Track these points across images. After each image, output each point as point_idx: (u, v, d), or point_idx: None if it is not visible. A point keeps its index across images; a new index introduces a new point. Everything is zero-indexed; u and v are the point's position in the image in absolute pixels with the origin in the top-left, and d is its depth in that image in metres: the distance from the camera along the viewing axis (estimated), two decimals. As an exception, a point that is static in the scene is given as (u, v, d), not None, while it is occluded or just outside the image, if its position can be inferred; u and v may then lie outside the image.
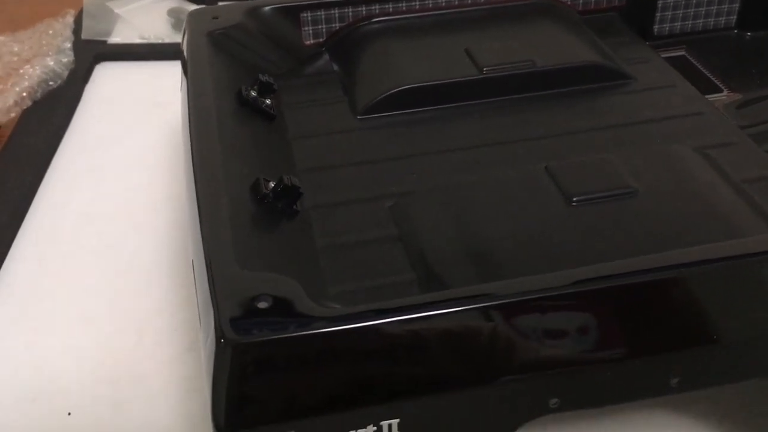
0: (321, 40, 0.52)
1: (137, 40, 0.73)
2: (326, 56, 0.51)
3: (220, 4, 0.74)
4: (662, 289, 0.32)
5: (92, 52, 0.71)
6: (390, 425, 0.30)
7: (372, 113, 0.46)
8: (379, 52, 0.50)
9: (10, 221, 0.54)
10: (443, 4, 0.53)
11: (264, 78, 0.44)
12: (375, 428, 0.30)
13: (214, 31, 0.48)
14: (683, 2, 0.54)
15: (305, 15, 0.51)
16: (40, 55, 0.70)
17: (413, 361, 0.30)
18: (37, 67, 0.67)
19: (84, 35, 0.73)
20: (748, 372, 0.33)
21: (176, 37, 0.73)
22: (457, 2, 0.53)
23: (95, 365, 0.44)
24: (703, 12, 0.55)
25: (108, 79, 0.69)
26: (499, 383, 0.31)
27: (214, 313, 0.30)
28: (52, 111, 0.64)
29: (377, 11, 0.52)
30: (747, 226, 0.36)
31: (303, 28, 0.51)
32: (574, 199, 0.38)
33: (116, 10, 0.76)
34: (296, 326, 0.29)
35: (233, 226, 0.34)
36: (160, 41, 0.73)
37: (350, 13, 0.52)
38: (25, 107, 0.64)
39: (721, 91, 0.50)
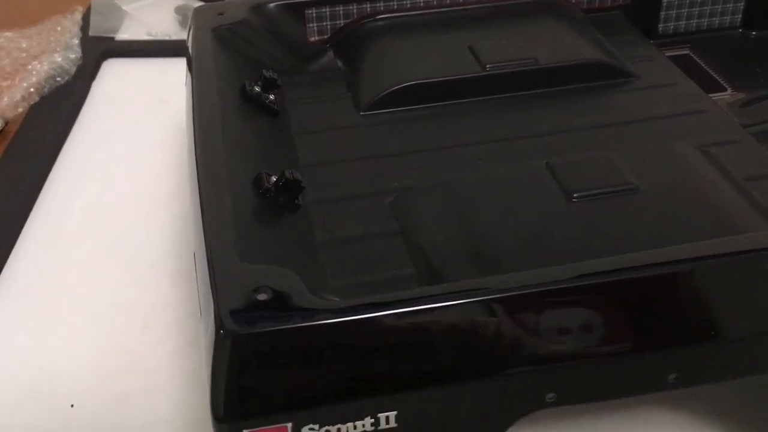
0: (325, 36, 0.52)
1: (144, 37, 0.74)
2: (330, 53, 0.52)
3: (226, 0, 0.74)
4: (660, 285, 0.32)
5: (100, 49, 0.71)
6: (387, 417, 0.31)
7: (375, 109, 0.46)
8: (382, 48, 0.50)
9: (17, 215, 0.54)
10: (447, 1, 0.53)
11: (268, 74, 0.44)
12: (372, 420, 0.31)
13: (218, 27, 0.48)
14: (688, 1, 0.54)
15: (310, 12, 0.51)
16: (48, 51, 0.70)
17: (410, 354, 0.30)
18: (45, 63, 0.67)
19: (92, 32, 0.73)
20: (746, 369, 0.34)
21: (183, 35, 0.72)
22: (461, 0, 0.53)
23: (99, 358, 0.45)
24: (708, 11, 0.55)
25: (115, 76, 0.70)
26: (496, 377, 0.31)
27: (214, 304, 0.30)
28: (59, 107, 0.64)
29: (382, 8, 0.52)
30: (747, 224, 0.36)
31: (308, 25, 0.52)
32: (575, 195, 0.38)
33: (124, 7, 0.77)
34: (295, 318, 0.29)
35: (235, 220, 0.34)
36: (167, 38, 0.73)
37: (355, 10, 0.52)
38: (32, 102, 0.65)
39: (725, 89, 0.50)
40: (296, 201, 0.38)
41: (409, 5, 0.52)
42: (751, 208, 0.37)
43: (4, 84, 0.67)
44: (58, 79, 0.67)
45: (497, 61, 0.47)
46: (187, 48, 0.49)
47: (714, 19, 0.55)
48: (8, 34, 0.74)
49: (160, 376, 0.44)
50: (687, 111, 0.46)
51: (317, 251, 0.36)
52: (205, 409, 0.30)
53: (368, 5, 0.52)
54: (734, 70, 0.51)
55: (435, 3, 0.53)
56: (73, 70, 0.68)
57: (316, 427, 0.30)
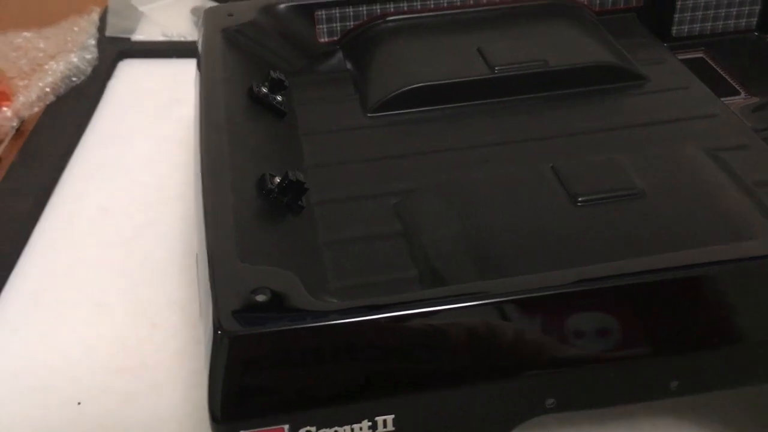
0: (335, 38, 0.52)
1: (160, 38, 0.74)
2: (340, 54, 0.52)
3: (242, 1, 0.75)
4: (663, 291, 0.31)
5: (116, 49, 0.72)
6: (385, 421, 0.30)
7: (382, 111, 0.46)
8: (392, 50, 0.50)
9: (30, 213, 0.55)
10: (458, 3, 0.53)
11: (275, 75, 0.45)
12: (370, 423, 0.30)
13: (228, 28, 0.49)
14: (702, 4, 0.53)
15: (320, 13, 0.51)
16: (64, 52, 0.71)
17: (408, 357, 0.30)
18: (61, 63, 0.68)
19: (108, 32, 0.74)
20: (749, 377, 0.33)
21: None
22: (472, 2, 0.53)
23: (107, 356, 0.45)
24: (723, 14, 0.54)
25: (130, 76, 0.71)
26: (496, 382, 0.31)
27: (213, 304, 0.30)
28: (75, 106, 0.65)
29: (391, 10, 0.52)
30: (755, 229, 0.36)
31: (317, 26, 0.52)
32: (579, 198, 0.37)
33: (140, 8, 0.77)
34: (292, 319, 0.29)
35: (237, 221, 0.34)
36: (182, 39, 0.74)
37: (365, 12, 0.52)
38: (48, 102, 0.65)
39: (738, 93, 0.49)
40: (300, 202, 0.38)
41: (419, 7, 0.52)
42: (760, 214, 0.37)
43: (21, 84, 0.68)
44: (74, 79, 0.68)
45: (505, 64, 0.47)
46: (197, 48, 0.50)
47: (729, 22, 0.54)
48: (26, 34, 0.75)
49: (167, 375, 0.44)
50: (697, 115, 0.45)
51: (319, 252, 0.36)
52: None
53: (378, 7, 0.52)
54: (748, 74, 0.51)
55: (445, 5, 0.53)
56: (89, 70, 0.69)
57: (313, 429, 0.30)
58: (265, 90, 0.44)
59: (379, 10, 0.52)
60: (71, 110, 0.65)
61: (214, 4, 0.77)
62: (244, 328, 0.29)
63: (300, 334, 0.29)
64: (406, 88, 0.46)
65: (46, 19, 0.76)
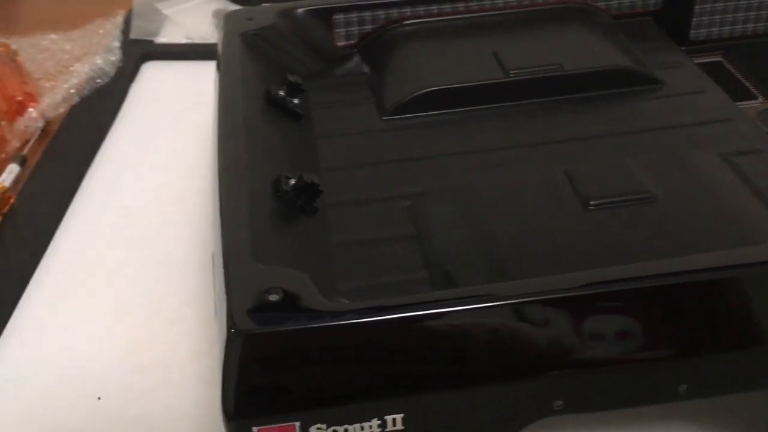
0: (353, 41, 0.53)
1: (183, 41, 0.75)
2: (357, 58, 0.52)
3: (264, 5, 0.76)
4: (673, 295, 0.32)
5: (139, 51, 0.73)
6: (394, 420, 0.31)
7: (398, 114, 0.46)
8: (408, 54, 0.50)
9: (54, 212, 0.56)
10: (475, 7, 0.53)
11: (292, 78, 0.45)
12: (380, 422, 0.31)
13: (247, 32, 0.49)
14: (721, 8, 0.53)
15: (338, 17, 0.52)
16: (90, 54, 0.72)
17: (418, 358, 0.31)
18: (86, 65, 0.69)
19: (132, 35, 0.75)
20: (759, 381, 0.33)
21: (220, 38, 0.74)
22: (488, 6, 0.53)
23: (126, 353, 0.46)
24: (742, 18, 0.54)
25: (153, 78, 0.72)
26: (504, 383, 0.31)
27: (227, 303, 0.31)
28: (99, 107, 0.66)
29: (409, 14, 0.52)
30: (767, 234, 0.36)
31: (335, 30, 0.52)
32: (591, 202, 0.38)
33: (164, 11, 0.78)
34: (303, 319, 0.30)
35: (252, 222, 0.35)
36: (204, 41, 0.75)
37: (382, 16, 0.52)
38: (73, 103, 0.67)
39: (756, 98, 0.49)
40: (314, 204, 0.38)
41: (435, 11, 0.53)
42: (772, 219, 0.37)
43: (48, 85, 0.69)
44: (98, 80, 0.69)
45: (520, 68, 0.47)
46: (216, 51, 0.50)
47: (748, 25, 0.54)
48: (53, 36, 0.76)
49: (183, 371, 0.45)
50: (713, 119, 0.45)
51: (331, 254, 0.37)
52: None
53: (395, 11, 0.52)
54: (766, 78, 0.50)
55: (462, 9, 0.53)
56: (113, 72, 0.70)
57: (324, 426, 0.31)
58: (282, 93, 0.45)
59: (396, 15, 0.52)
60: (95, 111, 0.66)
61: (236, 7, 0.78)
62: (257, 327, 0.30)
63: (311, 334, 0.30)
64: (422, 92, 0.46)
65: (73, 22, 0.77)
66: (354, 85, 0.50)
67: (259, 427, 0.30)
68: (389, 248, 0.37)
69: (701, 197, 0.38)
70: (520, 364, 0.31)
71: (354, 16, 0.52)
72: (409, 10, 0.52)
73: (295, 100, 0.45)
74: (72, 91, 0.67)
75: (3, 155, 0.62)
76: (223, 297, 0.32)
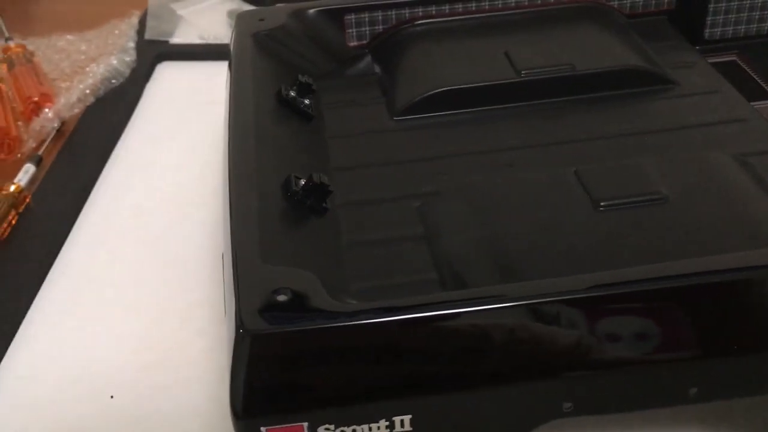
0: (364, 42, 0.53)
1: (197, 41, 0.76)
2: (368, 58, 0.52)
3: (277, 5, 0.76)
4: (684, 297, 0.31)
5: (154, 52, 0.74)
6: (402, 421, 0.31)
7: (409, 114, 0.46)
8: (419, 54, 0.50)
9: (69, 211, 0.57)
10: (486, 7, 0.53)
11: (303, 78, 0.45)
12: (387, 423, 0.31)
13: (259, 32, 0.50)
14: (735, 6, 0.53)
15: (349, 17, 0.52)
16: (105, 54, 0.73)
17: (426, 359, 0.31)
18: (102, 66, 0.70)
19: (147, 35, 0.76)
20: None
21: (234, 38, 0.75)
22: (500, 5, 0.53)
23: (139, 351, 0.46)
24: (757, 16, 0.53)
25: (168, 78, 0.72)
26: (513, 385, 0.31)
27: (236, 304, 0.31)
28: (114, 108, 0.67)
29: (420, 14, 0.52)
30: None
31: (347, 31, 0.52)
32: (601, 203, 0.37)
33: (179, 12, 0.79)
34: (312, 319, 0.30)
35: (261, 222, 0.35)
36: (218, 42, 0.75)
37: (394, 16, 0.52)
38: (88, 104, 0.67)
39: (771, 97, 0.48)
40: (324, 204, 0.38)
41: (447, 11, 0.53)
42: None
43: (63, 85, 0.70)
44: (113, 81, 0.69)
45: (532, 67, 0.47)
46: (229, 52, 0.51)
47: (763, 24, 0.54)
48: (69, 37, 0.77)
49: (196, 370, 0.45)
50: (727, 119, 0.45)
51: (341, 254, 0.37)
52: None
53: (407, 11, 0.52)
54: (782, 78, 0.50)
55: (473, 9, 0.53)
56: (128, 72, 0.71)
57: (332, 427, 0.31)
58: (293, 93, 0.45)
59: (407, 15, 0.52)
60: (111, 111, 0.66)
61: (249, 7, 0.79)
62: (265, 327, 0.30)
63: (319, 334, 0.30)
64: (433, 92, 0.46)
65: (88, 23, 0.78)
66: (365, 86, 0.50)
67: (267, 427, 0.31)
68: (399, 248, 0.37)
69: (714, 198, 0.38)
70: (530, 365, 0.31)
71: (365, 16, 0.52)
72: (420, 10, 0.52)
73: (306, 101, 0.46)
74: (87, 91, 0.67)
75: (19, 155, 0.62)
76: (232, 297, 0.32)
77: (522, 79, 0.46)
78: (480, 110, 0.46)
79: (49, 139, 0.63)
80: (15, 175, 0.59)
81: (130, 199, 0.58)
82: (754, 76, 0.51)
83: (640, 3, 0.54)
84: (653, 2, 0.54)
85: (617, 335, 0.31)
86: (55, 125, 0.65)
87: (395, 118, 0.47)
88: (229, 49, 0.51)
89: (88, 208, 0.58)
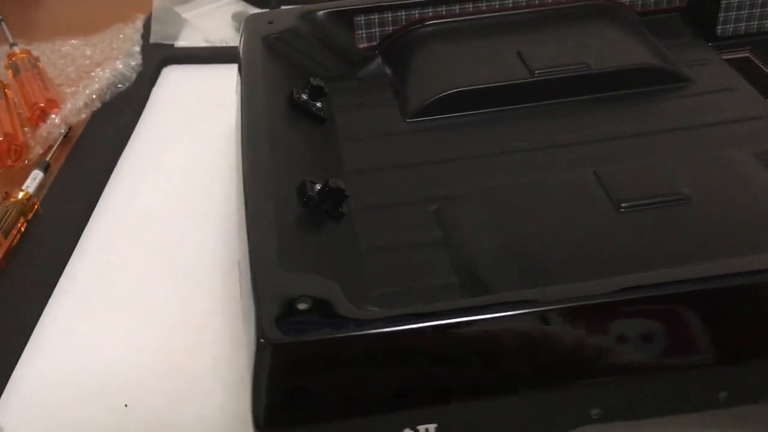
0: (374, 43, 0.52)
1: (202, 44, 0.75)
2: (379, 59, 0.52)
3: (282, 8, 0.75)
4: (711, 300, 0.31)
5: (159, 56, 0.73)
6: (427, 429, 0.31)
7: (422, 116, 0.46)
8: (431, 55, 0.50)
9: (79, 217, 0.56)
10: (497, 6, 0.52)
11: (315, 81, 0.45)
12: None
13: (268, 35, 0.49)
14: (748, 2, 0.52)
15: (359, 19, 0.52)
16: (111, 59, 0.73)
17: (451, 366, 0.30)
18: (107, 71, 0.69)
19: (152, 39, 0.75)
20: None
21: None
22: (511, 4, 0.52)
23: (153, 359, 0.46)
24: (770, 12, 0.53)
25: (174, 82, 0.72)
26: (540, 392, 0.31)
27: (255, 312, 0.31)
28: (120, 113, 0.66)
29: (430, 14, 0.52)
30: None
31: (356, 32, 0.52)
32: (623, 204, 0.37)
33: (183, 15, 0.78)
34: (334, 328, 0.30)
35: (278, 228, 0.35)
36: (224, 45, 0.75)
37: (403, 17, 0.52)
38: (94, 109, 0.67)
39: (787, 94, 0.48)
40: (340, 209, 0.38)
41: (457, 11, 0.52)
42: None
43: (69, 90, 0.70)
44: (119, 85, 0.69)
45: (546, 67, 0.46)
46: (238, 55, 0.50)
47: None
48: (74, 42, 0.76)
49: (212, 378, 0.45)
50: (744, 117, 0.44)
51: (359, 260, 0.36)
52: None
53: (417, 12, 0.52)
54: (797, 74, 0.49)
55: (484, 8, 0.52)
56: (134, 76, 0.70)
57: (356, 436, 0.30)
58: (305, 97, 0.45)
59: (417, 15, 0.52)
60: (117, 116, 0.66)
61: (254, 9, 0.78)
62: (286, 336, 0.30)
63: (342, 343, 0.30)
64: (446, 93, 0.46)
65: (92, 27, 0.78)
66: (376, 87, 0.49)
67: (290, 438, 0.30)
68: (418, 253, 0.37)
69: (736, 197, 0.37)
70: (558, 372, 0.30)
71: (375, 17, 0.52)
72: (430, 10, 0.52)
73: (318, 104, 0.45)
74: (94, 96, 0.67)
75: (26, 161, 0.62)
76: (251, 305, 0.31)
77: (536, 78, 0.46)
78: (493, 111, 0.46)
79: (56, 145, 0.63)
80: (23, 181, 0.58)
81: (139, 204, 0.58)
82: (768, 72, 0.50)
83: (652, 0, 0.54)
84: (665, 0, 0.54)
85: (646, 339, 0.31)
86: (62, 131, 0.64)
87: (408, 120, 0.46)
88: (238, 53, 0.51)
89: (98, 214, 0.57)
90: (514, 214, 0.38)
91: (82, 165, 0.61)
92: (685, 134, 0.43)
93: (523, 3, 0.52)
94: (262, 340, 0.30)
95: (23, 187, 0.57)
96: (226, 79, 0.71)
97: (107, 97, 0.68)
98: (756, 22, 0.53)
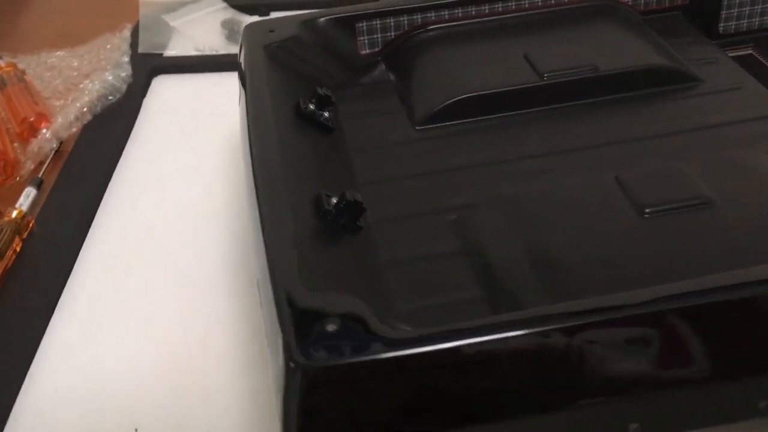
0: (377, 49, 0.51)
1: (192, 53, 0.74)
2: (382, 66, 0.51)
3: (276, 16, 0.74)
4: (750, 307, 0.30)
5: (149, 66, 0.72)
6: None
7: (431, 123, 0.45)
8: (436, 60, 0.49)
9: (76, 234, 0.55)
10: (499, 9, 0.52)
11: (322, 91, 0.44)
12: (448, 451, 0.30)
13: (270, 44, 0.48)
14: None
15: (360, 25, 0.51)
16: (99, 70, 0.71)
17: (489, 385, 0.29)
18: (96, 82, 0.68)
19: (141, 49, 0.74)
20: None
21: (231, 49, 0.73)
22: (513, 6, 0.52)
23: (161, 377, 0.45)
24: (771, 8, 0.53)
25: (165, 92, 0.70)
26: (578, 407, 0.30)
27: (283, 336, 0.30)
28: (112, 125, 0.65)
29: (433, 18, 0.51)
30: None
31: (358, 38, 0.51)
32: (647, 210, 0.36)
33: (171, 23, 0.77)
34: (368, 349, 0.29)
35: (297, 245, 0.34)
36: (214, 53, 0.74)
37: (406, 22, 0.51)
38: (85, 122, 0.65)
39: (793, 90, 0.48)
40: (357, 222, 0.37)
41: (460, 14, 0.51)
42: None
43: (58, 104, 0.68)
44: (110, 97, 0.67)
45: (555, 70, 0.46)
46: (239, 65, 0.49)
47: None
48: (60, 53, 0.75)
49: (223, 395, 0.44)
50: (757, 116, 0.44)
51: (381, 274, 0.35)
52: (267, 429, 0.29)
53: (419, 16, 0.51)
54: (802, 69, 0.49)
55: (486, 11, 0.52)
56: (124, 87, 0.69)
57: (393, 461, 0.29)
58: (312, 107, 0.44)
59: (419, 20, 0.51)
60: (109, 129, 0.65)
61: (244, 16, 0.77)
62: (317, 360, 0.29)
63: (377, 365, 0.29)
64: (455, 99, 0.45)
65: (78, 38, 0.76)
66: (382, 94, 0.48)
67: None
68: (439, 265, 0.36)
69: (761, 199, 0.37)
70: (594, 386, 0.30)
71: (377, 23, 0.51)
72: (432, 14, 0.51)
73: (326, 113, 0.44)
74: (84, 109, 0.65)
75: (18, 178, 0.60)
76: (276, 327, 0.30)
77: (545, 82, 0.45)
78: (503, 116, 0.45)
79: (48, 161, 0.62)
80: (16, 199, 0.57)
81: (138, 217, 0.57)
82: (774, 70, 0.50)
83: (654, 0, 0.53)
84: (667, -2, 0.53)
85: (683, 350, 0.30)
86: (54, 146, 0.63)
87: (417, 128, 0.45)
88: (239, 63, 0.49)
89: (95, 230, 0.56)
90: (535, 222, 0.37)
91: (76, 180, 0.60)
92: (699, 135, 0.43)
93: (526, 5, 0.52)
94: (291, 365, 0.29)
95: (17, 206, 0.56)
96: (217, 88, 0.70)
97: (98, 109, 0.66)
98: (758, 19, 0.53)
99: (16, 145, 0.63)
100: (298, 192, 0.37)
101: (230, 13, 0.78)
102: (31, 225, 0.55)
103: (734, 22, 0.53)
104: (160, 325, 0.48)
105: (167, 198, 0.58)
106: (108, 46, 0.74)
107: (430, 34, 0.51)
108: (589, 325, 0.29)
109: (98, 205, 0.58)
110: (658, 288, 0.30)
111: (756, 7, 0.53)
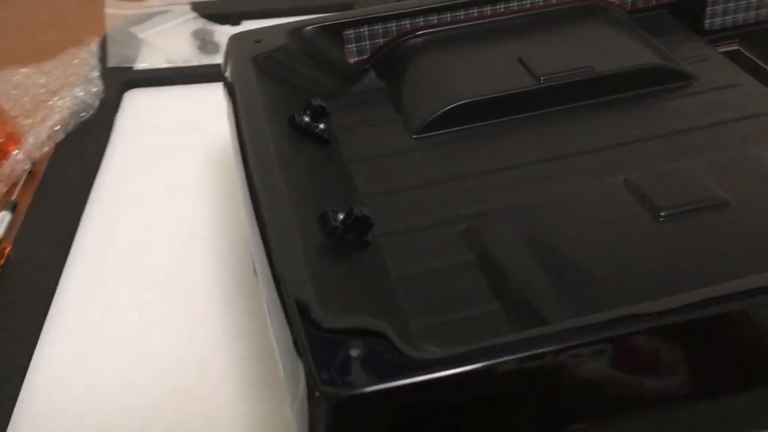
0: (365, 57, 0.50)
1: (164, 65, 0.72)
2: (372, 74, 0.50)
3: (249, 25, 0.72)
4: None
5: (120, 80, 0.69)
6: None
7: (428, 131, 0.44)
8: (428, 66, 0.48)
9: (55, 257, 0.53)
10: (488, 12, 0.51)
11: (316, 102, 0.42)
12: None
13: (258, 55, 0.47)
14: None
15: (348, 32, 0.49)
16: (67, 86, 0.69)
17: (527, 403, 0.28)
18: (67, 99, 0.66)
19: (110, 63, 0.71)
20: None
21: (203, 59, 0.71)
22: (502, 9, 0.51)
23: (158, 405, 0.43)
24: (756, 3, 0.53)
25: (138, 106, 0.68)
26: (614, 422, 0.29)
27: (304, 363, 0.28)
28: (86, 143, 0.63)
29: (422, 23, 0.50)
30: None
31: (346, 46, 0.50)
32: (662, 213, 0.36)
33: (140, 35, 0.75)
34: (398, 373, 0.27)
35: (309, 266, 0.32)
36: (187, 64, 0.71)
37: (394, 28, 0.50)
38: (58, 141, 0.63)
39: (783, 84, 0.48)
40: (365, 237, 0.36)
41: (449, 19, 0.50)
42: None
43: (26, 122, 0.65)
44: (82, 114, 0.65)
45: (551, 73, 0.45)
46: (225, 78, 0.47)
47: (762, 11, 0.53)
48: (24, 70, 0.72)
49: (224, 422, 0.42)
50: (756, 112, 0.44)
51: (394, 291, 0.34)
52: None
53: (408, 22, 0.50)
54: (791, 64, 0.49)
55: (475, 15, 0.51)
56: (96, 103, 0.66)
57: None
58: (307, 119, 0.42)
59: (408, 26, 0.50)
60: (83, 147, 0.62)
61: (215, 26, 0.75)
62: (344, 388, 0.27)
63: (407, 389, 0.27)
64: (452, 106, 0.44)
65: (43, 53, 0.73)
66: (374, 103, 0.47)
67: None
68: (452, 278, 0.35)
69: (771, 198, 0.37)
70: (629, 400, 0.29)
71: (365, 30, 0.49)
72: (421, 20, 0.50)
73: (321, 125, 0.43)
74: (56, 127, 0.63)
75: (-10, 203, 0.58)
76: (295, 355, 0.29)
77: (542, 85, 0.45)
78: (501, 121, 0.44)
79: (21, 183, 0.59)
80: (-10, 225, 0.54)
81: (119, 238, 0.55)
82: (762, 64, 0.50)
83: (641, -3, 0.53)
84: (653, -4, 0.53)
85: (715, 359, 0.29)
86: (27, 167, 0.60)
87: (414, 137, 0.44)
88: (224, 75, 0.48)
89: (75, 254, 0.54)
90: (547, 230, 0.36)
91: (51, 202, 0.58)
92: (702, 134, 0.42)
93: (515, 7, 0.51)
94: (317, 394, 0.27)
95: (-8, 231, 0.53)
96: (193, 100, 0.68)
97: (70, 127, 0.64)
98: (742, 14, 0.53)
99: (-15, 168, 0.60)
100: (305, 210, 0.36)
101: (201, 23, 0.76)
102: (7, 251, 0.53)
103: (719, 18, 0.53)
104: (152, 348, 0.46)
105: (149, 216, 0.56)
106: (75, 61, 0.72)
107: (420, 39, 0.50)
108: (629, 335, 0.28)
109: (77, 227, 0.55)
110: (691, 293, 0.29)
111: (740, 3, 0.53)
